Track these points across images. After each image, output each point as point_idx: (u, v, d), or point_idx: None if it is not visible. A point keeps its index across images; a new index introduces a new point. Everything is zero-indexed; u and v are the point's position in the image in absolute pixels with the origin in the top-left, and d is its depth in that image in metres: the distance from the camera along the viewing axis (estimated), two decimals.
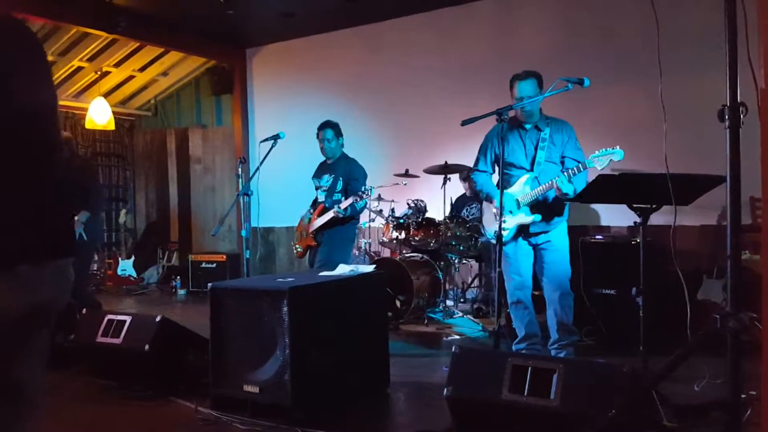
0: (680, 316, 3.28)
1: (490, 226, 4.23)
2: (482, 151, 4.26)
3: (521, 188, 4.03)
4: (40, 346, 1.58)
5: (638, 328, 3.29)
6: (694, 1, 5.60)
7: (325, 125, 5.13)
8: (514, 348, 4.17)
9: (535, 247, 4.10)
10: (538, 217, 3.98)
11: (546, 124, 4.06)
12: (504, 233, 3.99)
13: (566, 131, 4.06)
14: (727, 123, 2.20)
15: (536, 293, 4.25)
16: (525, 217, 4.00)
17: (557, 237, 4.07)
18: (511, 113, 4.04)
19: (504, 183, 4.05)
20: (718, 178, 2.78)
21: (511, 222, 4.03)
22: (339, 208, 4.81)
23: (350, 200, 4.79)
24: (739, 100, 2.21)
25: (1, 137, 1.45)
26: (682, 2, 5.57)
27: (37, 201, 1.54)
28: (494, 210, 4.10)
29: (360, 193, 4.77)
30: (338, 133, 5.13)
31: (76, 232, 4.89)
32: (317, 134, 5.15)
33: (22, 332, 1.51)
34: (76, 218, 4.88)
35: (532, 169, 4.02)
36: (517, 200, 4.03)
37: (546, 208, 3.99)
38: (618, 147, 3.63)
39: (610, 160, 3.65)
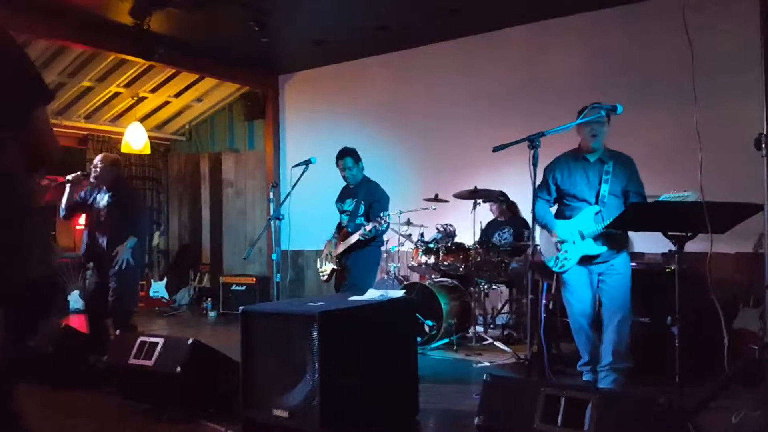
0: (717, 346, 3.22)
1: (549, 255, 4.23)
2: (545, 178, 4.25)
3: (585, 221, 4.03)
4: None
5: (673, 358, 3.22)
6: (729, 28, 5.56)
7: (343, 154, 5.12)
8: (578, 368, 4.24)
9: (597, 274, 4.09)
10: (603, 248, 3.98)
11: (609, 157, 4.07)
12: (566, 262, 4.08)
13: (629, 165, 4.07)
14: (764, 151, 2.18)
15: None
16: (590, 249, 4.00)
17: (620, 263, 4.05)
18: (576, 144, 4.16)
19: (565, 214, 4.16)
20: (755, 207, 2.74)
21: (575, 252, 4.05)
22: (365, 230, 4.80)
23: (371, 225, 4.77)
24: None
25: None
26: (716, 29, 5.52)
27: None
28: (554, 239, 4.15)
29: (378, 219, 4.75)
30: (357, 159, 5.13)
31: (124, 258, 5.00)
32: (336, 164, 5.16)
33: None
34: (123, 244, 5.01)
35: (597, 203, 4.02)
36: (581, 232, 4.03)
37: (611, 239, 3.98)
38: (689, 191, 3.44)
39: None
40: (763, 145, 2.17)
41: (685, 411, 2.67)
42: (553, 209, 4.34)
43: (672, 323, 3.58)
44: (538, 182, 4.24)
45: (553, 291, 5.03)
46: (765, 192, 2.16)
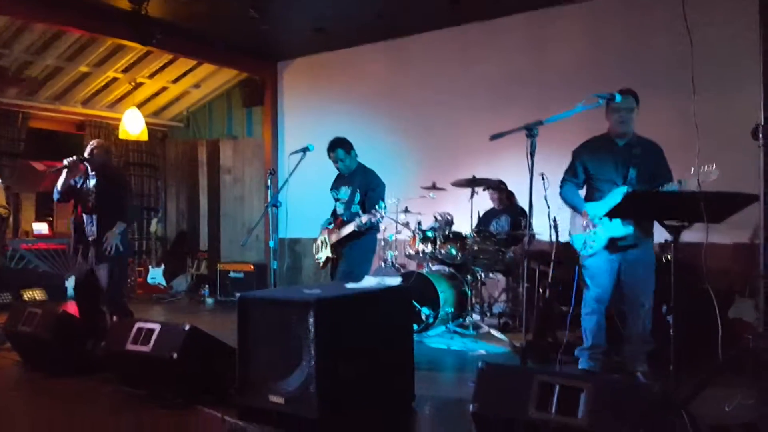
0: (711, 335, 3.23)
1: (576, 233, 4.24)
2: (572, 163, 4.30)
3: (614, 201, 3.93)
4: None
5: (668, 346, 3.24)
6: (728, 19, 5.53)
7: (334, 146, 5.05)
8: (576, 353, 4.27)
9: (622, 263, 4.09)
10: (630, 229, 3.96)
11: (638, 142, 4.09)
12: (593, 244, 4.09)
13: (657, 152, 4.09)
14: (760, 141, 2.17)
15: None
16: (617, 230, 3.99)
17: (645, 252, 4.06)
18: (605, 129, 4.18)
19: (594, 196, 4.18)
20: (752, 197, 2.75)
21: (603, 234, 4.05)
22: (359, 221, 4.78)
23: (366, 217, 4.72)
24: None
25: None
26: (715, 20, 5.50)
27: None
28: (583, 221, 4.16)
29: (374, 211, 4.71)
30: (348, 149, 5.06)
31: (113, 243, 4.97)
32: (328, 155, 5.10)
33: None
34: (112, 230, 4.98)
35: (625, 184, 4.02)
36: None
37: (638, 222, 3.97)
38: (714, 165, 3.41)
39: (705, 179, 3.43)
40: (760, 135, 2.16)
41: (679, 399, 2.69)
42: (582, 192, 4.35)
43: (667, 312, 3.60)
44: (539, 168, 4.21)
45: (549, 279, 5.05)
46: (761, 182, 2.16)
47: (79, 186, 5.20)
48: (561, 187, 4.34)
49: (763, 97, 2.13)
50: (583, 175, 4.25)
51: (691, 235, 3.30)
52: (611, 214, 3.62)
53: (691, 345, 3.62)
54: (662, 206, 3.24)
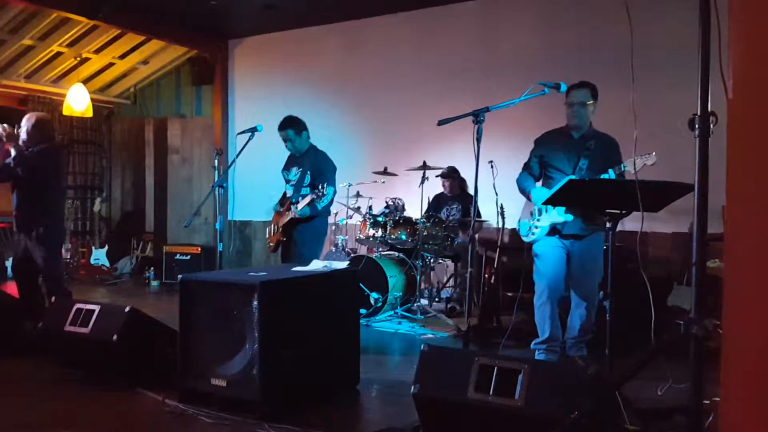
0: (648, 321, 3.33)
1: (524, 218, 4.26)
2: (530, 155, 4.34)
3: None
4: None
5: (605, 331, 3.32)
6: (670, 10, 5.66)
7: (284, 125, 4.94)
8: (533, 347, 4.24)
9: (570, 252, 4.12)
10: (570, 217, 4.00)
11: (593, 136, 4.15)
12: (536, 231, 4.13)
13: (612, 145, 4.13)
14: (696, 132, 2.22)
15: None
16: (557, 217, 4.03)
17: (592, 243, 4.07)
18: (556, 119, 4.23)
19: (548, 186, 4.18)
20: (687, 186, 2.82)
21: (544, 221, 4.09)
22: (296, 208, 4.69)
23: (307, 200, 4.65)
24: (710, 110, 2.23)
25: None
26: (657, 11, 5.62)
27: None
28: (530, 207, 4.19)
29: (316, 192, 4.63)
30: (299, 129, 4.94)
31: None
32: (279, 134, 4.99)
33: None
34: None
35: (573, 173, 4.05)
36: None
37: (587, 214, 4.00)
38: (654, 153, 3.54)
39: (644, 164, 3.58)
40: (697, 126, 2.21)
41: (613, 382, 2.76)
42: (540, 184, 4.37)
43: (604, 298, 3.66)
44: (489, 155, 4.32)
45: (495, 264, 5.12)
46: (696, 172, 2.22)
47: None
48: (518, 176, 4.37)
49: (699, 88, 2.19)
50: (538, 167, 4.29)
51: (633, 223, 3.38)
52: (550, 201, 3.68)
53: (628, 331, 3.73)
54: (600, 195, 3.30)
